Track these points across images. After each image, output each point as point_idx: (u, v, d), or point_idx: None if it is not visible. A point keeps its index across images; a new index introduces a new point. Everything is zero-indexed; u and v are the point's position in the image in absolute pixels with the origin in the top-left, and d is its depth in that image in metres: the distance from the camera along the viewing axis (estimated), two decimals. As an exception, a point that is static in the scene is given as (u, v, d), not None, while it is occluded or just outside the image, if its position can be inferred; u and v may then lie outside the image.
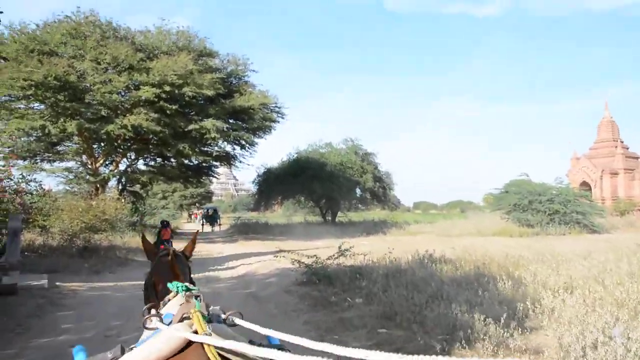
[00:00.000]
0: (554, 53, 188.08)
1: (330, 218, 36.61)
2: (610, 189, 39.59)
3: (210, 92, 20.00)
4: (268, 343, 1.84)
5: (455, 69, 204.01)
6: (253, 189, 37.40)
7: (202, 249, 20.55)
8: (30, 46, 18.86)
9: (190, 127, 20.63)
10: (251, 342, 1.59)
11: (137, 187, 29.75)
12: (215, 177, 29.89)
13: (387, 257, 11.65)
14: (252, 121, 22.69)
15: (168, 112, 19.83)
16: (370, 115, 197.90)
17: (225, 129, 21.35)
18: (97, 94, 18.78)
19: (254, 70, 24.26)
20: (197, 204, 78.40)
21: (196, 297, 1.85)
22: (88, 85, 18.96)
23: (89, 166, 22.76)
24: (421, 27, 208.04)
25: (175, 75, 19.09)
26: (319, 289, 9.49)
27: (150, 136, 22.63)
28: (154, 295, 2.16)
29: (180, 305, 1.80)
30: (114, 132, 19.01)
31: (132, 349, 1.64)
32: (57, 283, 9.67)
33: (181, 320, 1.63)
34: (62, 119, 18.50)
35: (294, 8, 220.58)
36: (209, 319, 1.68)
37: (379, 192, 36.01)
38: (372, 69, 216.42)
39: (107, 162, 24.31)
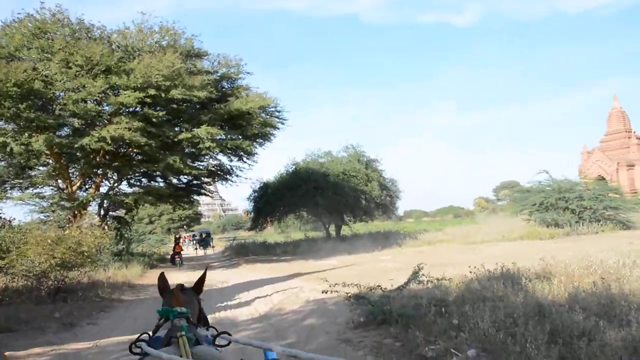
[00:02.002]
0: (532, 56, 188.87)
1: (334, 232, 33.70)
2: (627, 182, 37.27)
3: (202, 94, 17.07)
4: None
5: (434, 78, 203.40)
6: (248, 206, 34.19)
7: (201, 278, 17.51)
8: (-15, 51, 15.91)
9: (181, 136, 17.69)
10: None
11: (121, 212, 26.75)
12: (208, 195, 26.77)
13: (461, 277, 8.85)
14: (250, 127, 19.72)
15: (154, 120, 16.90)
16: (353, 128, 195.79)
17: (221, 137, 18.44)
18: (68, 102, 15.79)
19: (248, 73, 21.43)
20: (185, 227, 74.96)
21: (187, 319, 1.87)
22: (57, 92, 15.97)
23: (66, 190, 19.68)
24: (398, 37, 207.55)
25: (160, 75, 16.16)
26: (393, 333, 6.60)
27: (134, 152, 19.68)
28: None
29: (169, 328, 1.82)
30: (90, 146, 15.92)
31: None
32: (7, 353, 6.57)
33: (168, 343, 1.69)
34: (26, 134, 15.47)
35: (268, 27, 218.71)
36: (197, 339, 1.75)
37: (386, 201, 33.19)
38: (351, 81, 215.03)
39: (85, 185, 21.25)
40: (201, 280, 2.38)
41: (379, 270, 16.45)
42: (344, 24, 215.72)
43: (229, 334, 1.94)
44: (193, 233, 59.39)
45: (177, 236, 57.56)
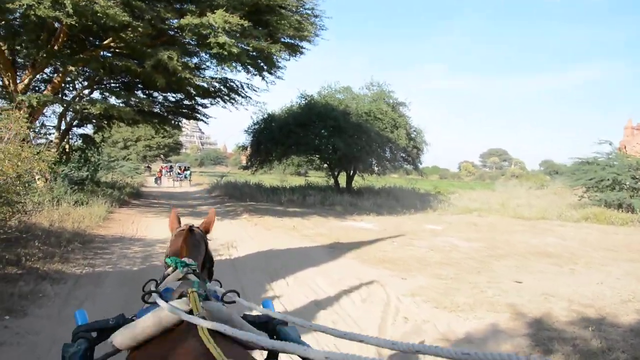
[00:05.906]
0: (531, 29, 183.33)
1: (343, 184, 28.08)
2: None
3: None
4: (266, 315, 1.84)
5: (432, 39, 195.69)
6: (245, 140, 28.05)
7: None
8: None
9: (184, 21, 11.64)
10: (244, 317, 1.76)
11: (89, 129, 20.91)
12: (203, 120, 20.79)
13: None
14: (281, 28, 13.73)
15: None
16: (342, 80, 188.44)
17: (243, 30, 12.33)
18: None
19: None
20: (162, 157, 68.54)
21: (194, 272, 1.91)
22: None
23: (9, 89, 13.65)
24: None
25: None
26: None
27: (111, 46, 13.65)
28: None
29: (179, 281, 1.83)
30: (35, 13, 9.80)
31: (132, 319, 1.69)
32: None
33: (179, 297, 1.65)
34: None
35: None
36: (206, 295, 1.70)
37: (413, 152, 27.65)
38: (347, 34, 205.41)
39: (37, 82, 15.24)
40: (210, 220, 2.45)
41: (465, 254, 10.99)
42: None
43: (238, 293, 1.81)
44: (170, 164, 53.37)
45: (146, 165, 55.43)
